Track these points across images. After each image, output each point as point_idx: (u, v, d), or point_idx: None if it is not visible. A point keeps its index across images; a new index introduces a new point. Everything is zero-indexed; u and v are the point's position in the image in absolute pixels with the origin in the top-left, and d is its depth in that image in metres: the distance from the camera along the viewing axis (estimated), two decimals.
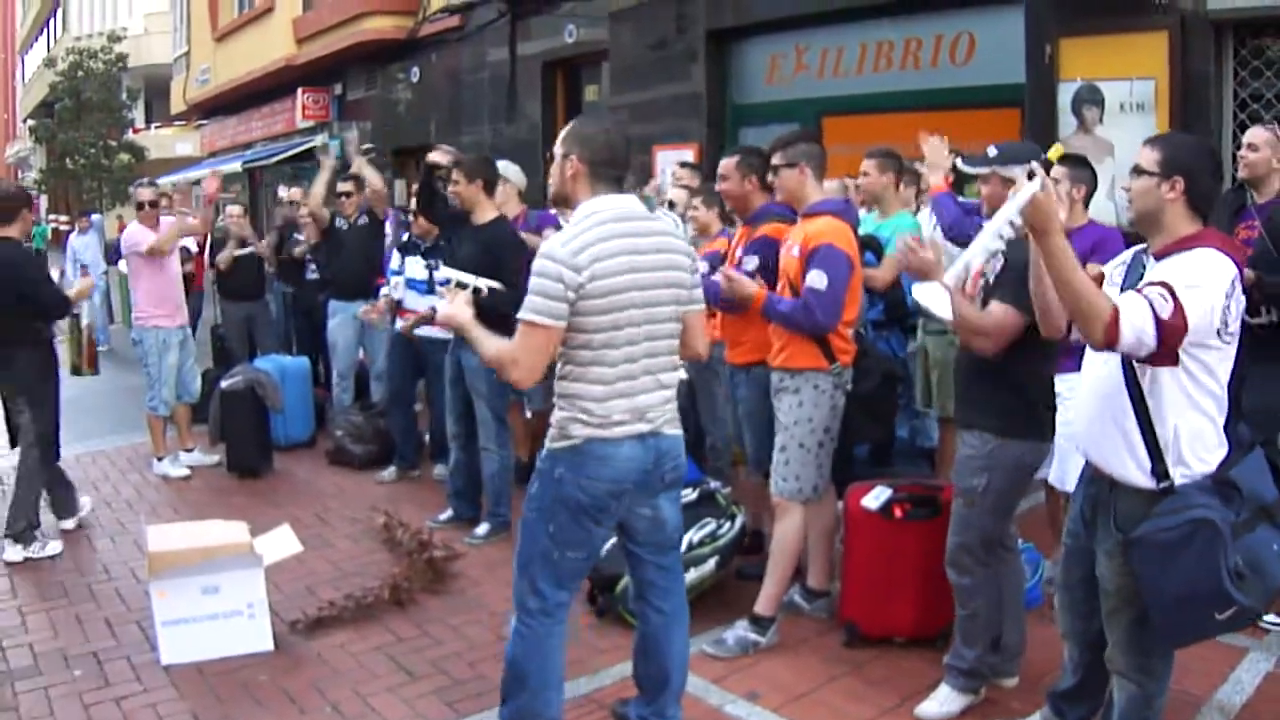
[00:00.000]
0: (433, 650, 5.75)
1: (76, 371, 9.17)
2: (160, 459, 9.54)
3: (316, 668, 5.63)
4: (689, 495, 6.27)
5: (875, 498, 5.57)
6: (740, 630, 5.69)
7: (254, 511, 7.73)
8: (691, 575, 5.83)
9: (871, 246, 7.02)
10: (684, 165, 9.31)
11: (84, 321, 9.16)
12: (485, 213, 7.34)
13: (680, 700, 4.65)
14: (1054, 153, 4.15)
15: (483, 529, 7.52)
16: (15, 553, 7.37)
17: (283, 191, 10.61)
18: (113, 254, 20.87)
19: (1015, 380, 4.57)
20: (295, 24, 21.49)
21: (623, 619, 5.85)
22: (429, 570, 6.67)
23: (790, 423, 5.60)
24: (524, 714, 4.30)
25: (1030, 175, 3.58)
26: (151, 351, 9.32)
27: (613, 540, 5.75)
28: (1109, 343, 3.51)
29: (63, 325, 8.71)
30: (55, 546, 7.53)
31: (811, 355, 5.53)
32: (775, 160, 5.75)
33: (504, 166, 8.31)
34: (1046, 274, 3.69)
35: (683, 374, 6.98)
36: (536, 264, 4.00)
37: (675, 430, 4.30)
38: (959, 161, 6.78)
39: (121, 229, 26.51)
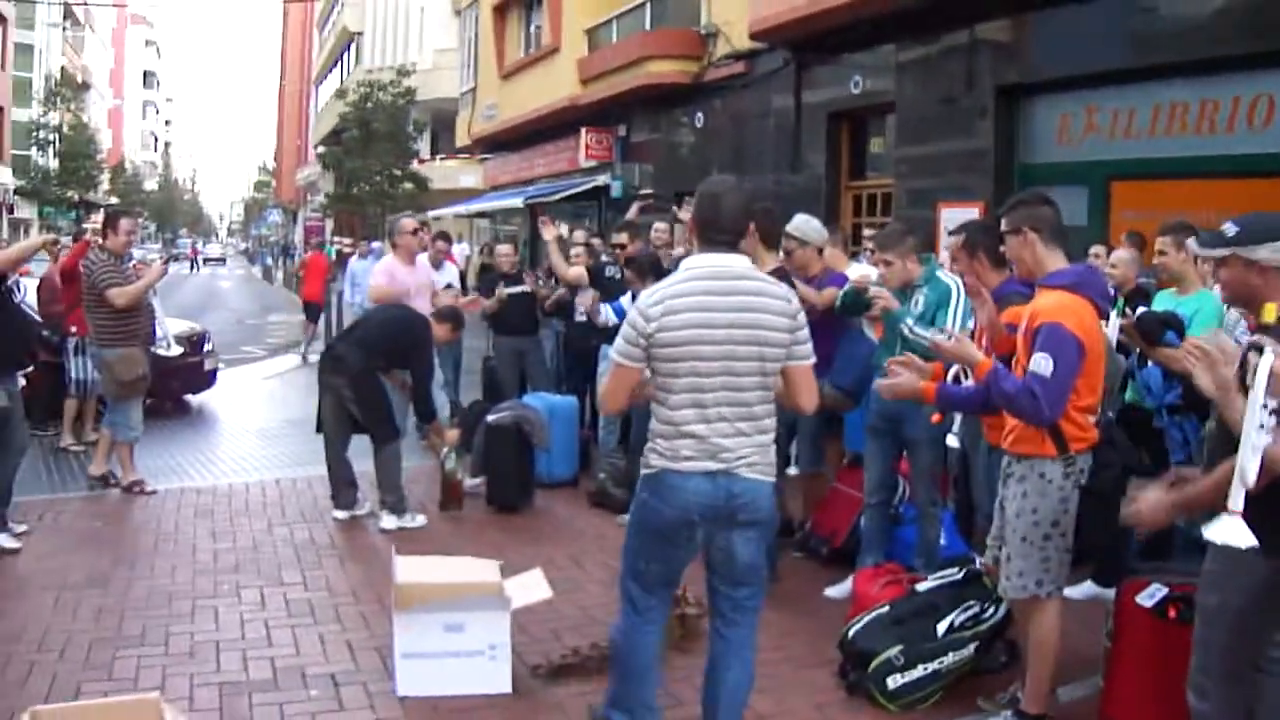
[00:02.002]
0: (674, 711, 5.45)
1: (444, 508, 9.32)
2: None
3: (553, 715, 5.46)
4: (954, 574, 5.97)
5: (1150, 595, 5.12)
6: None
7: (509, 548, 7.68)
8: (949, 659, 5.61)
9: (1173, 325, 6.49)
10: (952, 233, 8.95)
11: (447, 466, 9.29)
12: (765, 265, 7.07)
13: None
14: (1269, 313, 3.61)
15: None
16: (390, 521, 8.68)
17: (547, 232, 10.65)
18: None
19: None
20: (580, 64, 21.83)
21: (873, 698, 5.54)
22: (679, 627, 6.43)
23: (1013, 514, 5.11)
24: (620, 693, 4.84)
25: (1258, 349, 3.13)
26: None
27: (872, 616, 5.52)
28: None
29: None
30: (422, 519, 8.80)
31: (1038, 441, 5.00)
32: (1002, 226, 5.30)
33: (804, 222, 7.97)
34: None
35: (954, 441, 6.70)
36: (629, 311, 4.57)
37: (756, 475, 4.49)
38: (1192, 243, 6.17)
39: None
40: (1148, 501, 4.20)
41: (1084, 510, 5.06)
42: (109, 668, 5.96)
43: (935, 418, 6.30)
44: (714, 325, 4.38)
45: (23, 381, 8.47)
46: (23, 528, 8.45)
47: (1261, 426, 3.50)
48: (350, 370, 8.68)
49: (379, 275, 9.68)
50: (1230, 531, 3.73)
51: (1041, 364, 4.78)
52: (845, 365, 7.51)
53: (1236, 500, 3.68)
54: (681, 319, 4.37)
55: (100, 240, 9.79)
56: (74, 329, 11.56)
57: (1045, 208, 5.20)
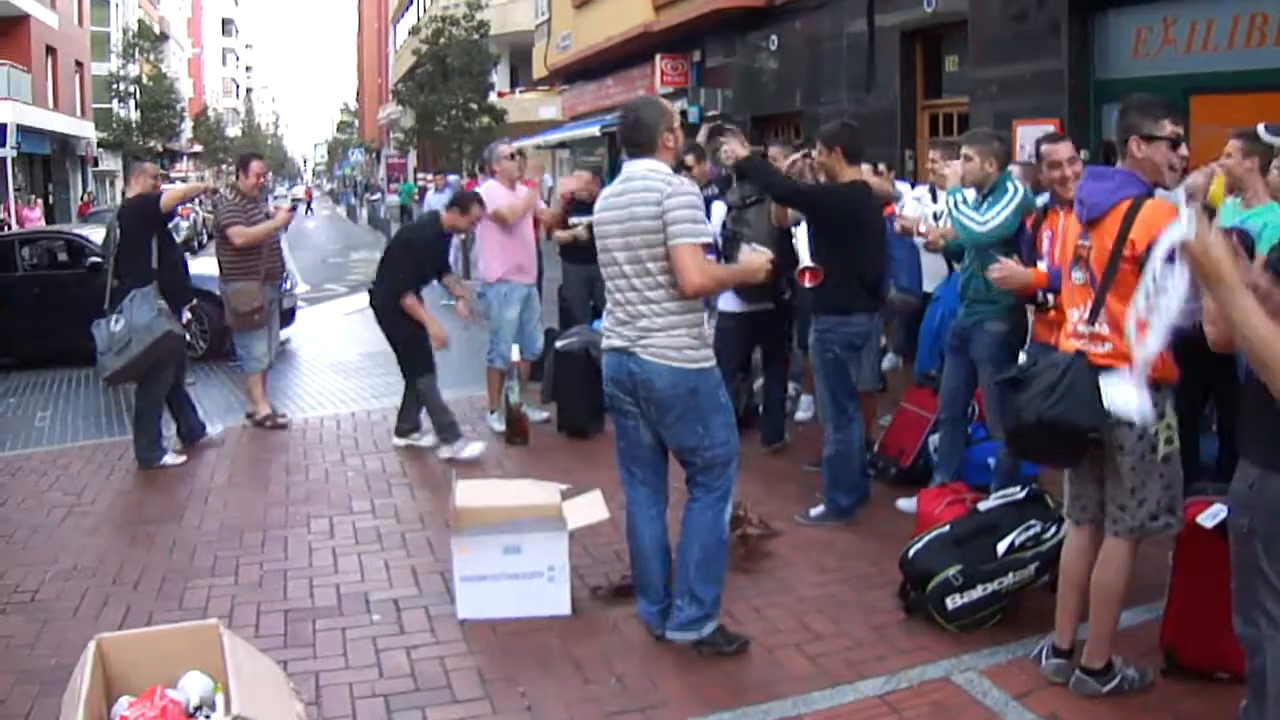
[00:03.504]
0: (731, 630, 5.49)
1: (510, 441, 9.33)
2: (493, 412, 9.66)
3: (609, 637, 5.47)
4: (1016, 494, 5.87)
5: (1212, 516, 4.87)
6: (1081, 677, 4.90)
7: (578, 472, 7.66)
8: (1009, 579, 5.47)
9: (1244, 241, 6.16)
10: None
11: (512, 399, 9.31)
12: (844, 177, 7.03)
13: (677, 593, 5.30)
14: (1216, 189, 3.41)
15: (816, 511, 7.19)
16: (446, 451, 8.78)
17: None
18: None
19: None
20: None
21: (931, 619, 5.47)
22: (740, 546, 6.40)
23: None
24: (633, 574, 5.55)
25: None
26: (494, 305, 9.42)
27: (933, 535, 5.46)
28: None
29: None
30: (476, 449, 8.79)
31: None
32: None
33: None
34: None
35: (1025, 358, 6.60)
36: None
37: (650, 357, 5.02)
38: (1262, 128, 6.02)
39: (469, 187, 27.48)
40: None
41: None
42: (180, 598, 6.08)
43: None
44: (608, 222, 5.15)
45: (187, 316, 9.30)
46: (219, 429, 9.64)
47: (1155, 283, 3.36)
48: (376, 305, 8.97)
49: (491, 199, 9.60)
50: (1118, 394, 3.95)
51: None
52: (903, 269, 8.00)
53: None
54: (598, 218, 5.24)
55: (231, 181, 10.38)
56: None
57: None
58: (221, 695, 4.03)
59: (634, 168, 5.17)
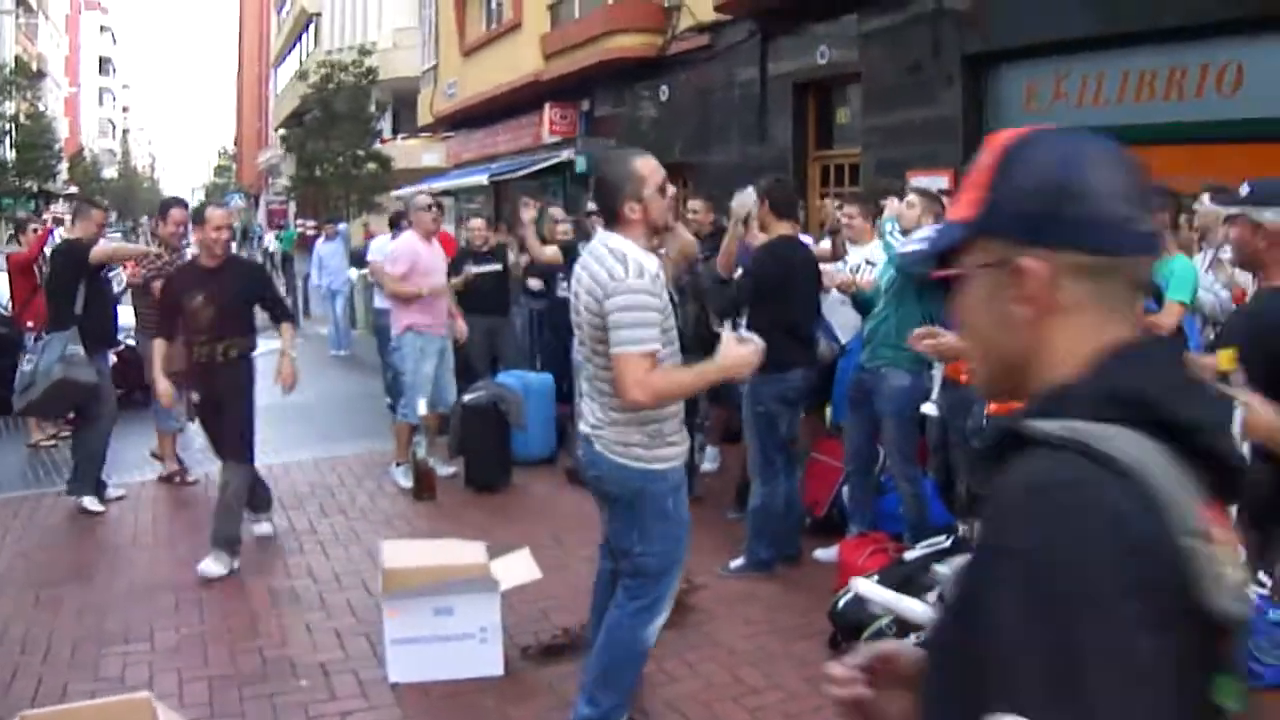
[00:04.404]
0: (668, 688, 5.52)
1: (419, 497, 9.22)
2: (399, 465, 9.58)
3: (545, 696, 5.47)
4: (942, 542, 5.99)
5: None
6: None
7: (490, 528, 7.65)
8: None
9: (1149, 291, 6.48)
10: (943, 193, 8.99)
11: (419, 454, 9.22)
12: (774, 232, 7.23)
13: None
14: (1225, 361, 3.58)
15: (736, 563, 7.27)
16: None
17: (527, 214, 10.50)
18: (358, 259, 21.46)
19: None
20: (543, 40, 21.66)
21: None
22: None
23: None
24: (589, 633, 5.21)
25: None
26: (409, 358, 9.37)
27: (852, 593, 5.55)
28: None
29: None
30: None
31: None
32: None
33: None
34: None
35: (932, 410, 6.74)
36: None
37: (601, 449, 4.61)
38: (1206, 198, 6.26)
39: (367, 236, 27.15)
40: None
41: None
42: (94, 667, 5.93)
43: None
44: (575, 293, 4.67)
45: (113, 359, 9.15)
46: (119, 492, 9.26)
47: None
48: None
49: (400, 260, 9.53)
50: None
51: None
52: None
53: None
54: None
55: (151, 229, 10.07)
56: (30, 324, 11.41)
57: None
58: None
59: (597, 241, 4.71)
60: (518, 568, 5.92)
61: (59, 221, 13.80)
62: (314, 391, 14.81)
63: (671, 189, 4.73)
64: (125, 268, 9.35)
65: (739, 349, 4.54)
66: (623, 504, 4.68)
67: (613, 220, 4.62)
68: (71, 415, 9.40)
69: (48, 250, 10.11)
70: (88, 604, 6.87)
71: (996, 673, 1.24)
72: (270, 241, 29.11)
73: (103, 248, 9.21)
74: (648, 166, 4.65)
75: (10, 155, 56.44)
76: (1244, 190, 4.23)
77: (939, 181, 10.87)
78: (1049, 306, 1.44)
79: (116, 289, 9.37)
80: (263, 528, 8.16)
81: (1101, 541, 1.24)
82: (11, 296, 12.03)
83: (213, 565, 7.27)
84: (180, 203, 10.48)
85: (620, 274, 4.40)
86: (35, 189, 58.30)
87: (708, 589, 6.75)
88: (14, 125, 56.16)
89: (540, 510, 8.79)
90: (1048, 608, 1.23)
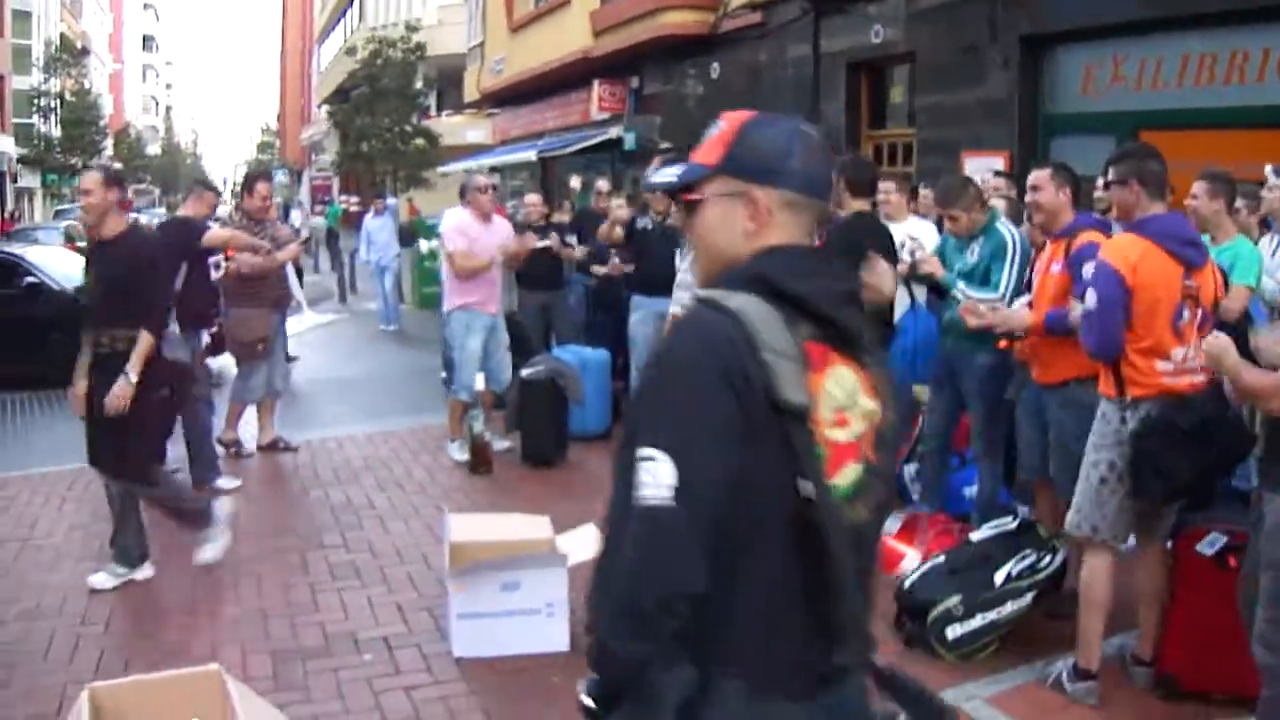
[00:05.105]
0: None
1: (474, 470, 9.18)
2: (454, 441, 9.54)
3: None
4: (1008, 524, 5.95)
5: (1210, 544, 5.06)
6: (1060, 666, 5.26)
7: (547, 502, 7.59)
8: (1008, 609, 5.60)
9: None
10: (998, 174, 8.84)
11: (475, 429, 9.17)
12: (849, 207, 7.20)
13: None
14: None
15: None
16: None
17: (574, 182, 10.40)
18: (406, 236, 21.48)
19: None
20: (593, 16, 21.53)
21: (928, 649, 5.56)
22: None
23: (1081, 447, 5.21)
24: None
25: None
26: (457, 334, 9.31)
27: (929, 566, 5.52)
28: None
29: None
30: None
31: (1103, 378, 5.08)
32: (1109, 175, 5.23)
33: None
34: None
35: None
36: None
37: None
38: (1270, 172, 6.25)
39: (413, 212, 27.08)
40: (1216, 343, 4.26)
41: (1172, 450, 4.83)
42: (156, 640, 5.93)
43: (1001, 344, 6.33)
44: None
45: (206, 339, 8.90)
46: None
47: None
48: None
49: (455, 236, 9.44)
50: None
51: (1087, 298, 4.93)
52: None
53: None
54: None
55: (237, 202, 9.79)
56: None
57: (1151, 162, 5.13)
58: None
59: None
60: (584, 542, 5.85)
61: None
62: (363, 367, 14.90)
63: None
64: (228, 254, 9.12)
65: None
66: None
67: None
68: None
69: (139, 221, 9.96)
70: (146, 577, 6.85)
71: (633, 422, 2.09)
72: (295, 219, 28.92)
73: (219, 234, 8.96)
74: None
75: (56, 132, 56.87)
76: None
77: (994, 163, 10.75)
78: (765, 224, 2.21)
79: (215, 274, 9.16)
80: (204, 553, 6.92)
81: (695, 342, 2.07)
82: None
83: (102, 579, 6.69)
84: (266, 175, 10.49)
85: None
86: (80, 165, 58.74)
87: None
88: (60, 102, 56.59)
89: (597, 485, 8.71)
90: (657, 377, 2.10)
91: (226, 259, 9.14)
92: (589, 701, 2.14)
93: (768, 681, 2.09)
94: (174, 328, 8.03)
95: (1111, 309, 4.83)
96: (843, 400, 2.14)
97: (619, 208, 10.48)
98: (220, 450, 9.34)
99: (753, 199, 2.20)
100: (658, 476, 1.96)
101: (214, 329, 9.51)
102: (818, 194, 2.27)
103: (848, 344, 2.18)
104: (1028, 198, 6.13)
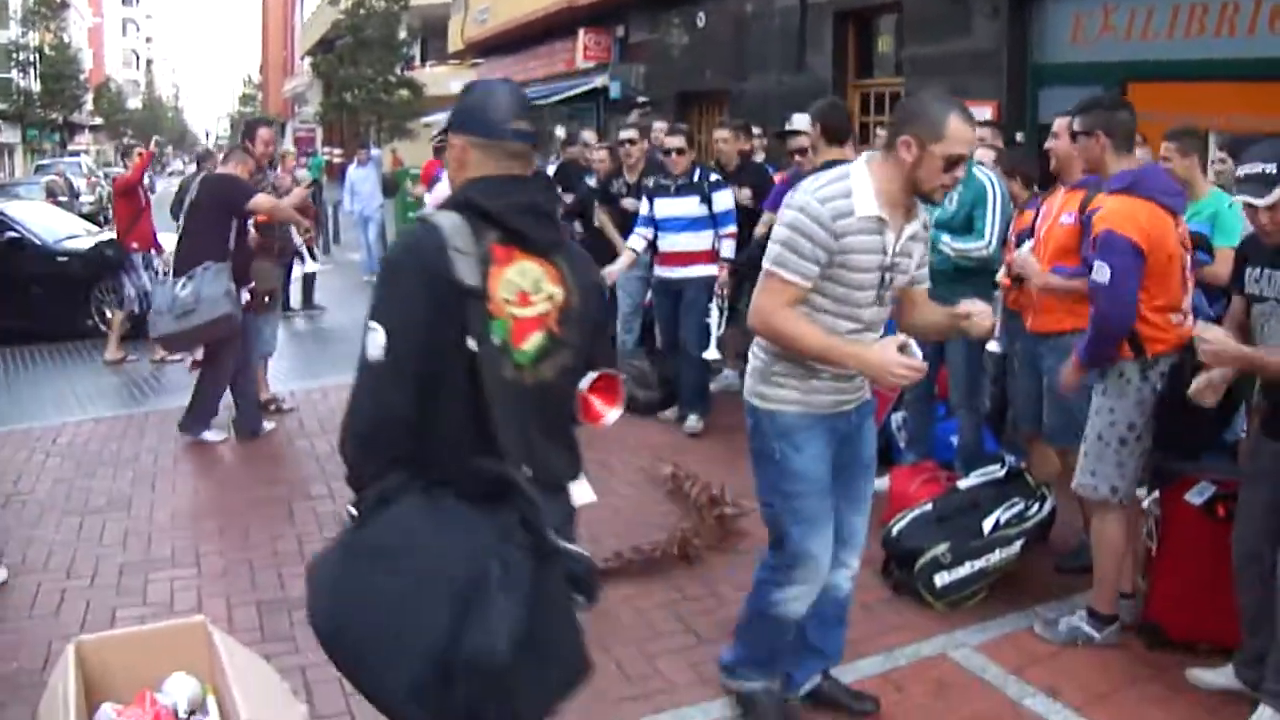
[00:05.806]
0: (721, 612, 5.46)
1: None
2: None
3: (601, 621, 5.36)
4: (995, 472, 5.95)
5: (1199, 493, 5.02)
6: (1076, 620, 5.22)
7: None
8: (996, 557, 5.60)
9: (1199, 244, 6.17)
10: (986, 124, 8.78)
11: None
12: (822, 156, 6.97)
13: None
14: None
15: None
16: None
17: (560, 131, 10.32)
18: (390, 187, 21.35)
19: None
20: None
21: (916, 596, 5.59)
22: (719, 527, 6.39)
23: (1092, 410, 5.05)
24: None
25: None
26: None
27: (916, 513, 5.50)
28: None
29: None
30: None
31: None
32: (1075, 126, 5.18)
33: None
34: None
35: (995, 346, 6.60)
36: None
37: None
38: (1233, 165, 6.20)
39: (397, 164, 26.88)
40: (1215, 338, 4.24)
41: (1179, 410, 4.79)
42: (142, 592, 5.91)
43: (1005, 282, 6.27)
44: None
45: (246, 296, 8.84)
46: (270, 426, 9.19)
47: None
48: None
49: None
50: None
51: (1100, 273, 4.77)
52: None
53: None
54: None
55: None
56: (135, 244, 12.44)
57: (1120, 113, 5.07)
58: (213, 697, 3.90)
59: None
60: (574, 491, 5.83)
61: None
62: (347, 316, 14.85)
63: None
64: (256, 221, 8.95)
65: (895, 358, 3.91)
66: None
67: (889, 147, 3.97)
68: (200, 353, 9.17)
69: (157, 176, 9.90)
70: (131, 529, 6.84)
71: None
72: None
73: (266, 201, 8.70)
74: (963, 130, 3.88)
75: (36, 86, 56.49)
76: (1271, 168, 4.16)
77: (981, 113, 10.67)
78: (463, 163, 2.99)
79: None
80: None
81: (403, 248, 2.97)
82: (116, 216, 12.37)
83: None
84: (267, 122, 10.44)
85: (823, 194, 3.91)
86: (61, 120, 58.40)
87: (755, 512, 6.66)
88: (39, 56, 56.20)
89: (584, 435, 8.69)
90: (381, 272, 2.92)
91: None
92: (351, 509, 2.87)
93: (444, 483, 2.80)
94: (230, 285, 8.01)
95: (1128, 280, 4.72)
96: (526, 285, 2.88)
97: (599, 160, 10.48)
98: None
99: (453, 144, 3.02)
100: (374, 341, 2.74)
101: (251, 285, 9.22)
102: (497, 137, 2.95)
103: (531, 244, 2.91)
104: (1047, 143, 6.08)
